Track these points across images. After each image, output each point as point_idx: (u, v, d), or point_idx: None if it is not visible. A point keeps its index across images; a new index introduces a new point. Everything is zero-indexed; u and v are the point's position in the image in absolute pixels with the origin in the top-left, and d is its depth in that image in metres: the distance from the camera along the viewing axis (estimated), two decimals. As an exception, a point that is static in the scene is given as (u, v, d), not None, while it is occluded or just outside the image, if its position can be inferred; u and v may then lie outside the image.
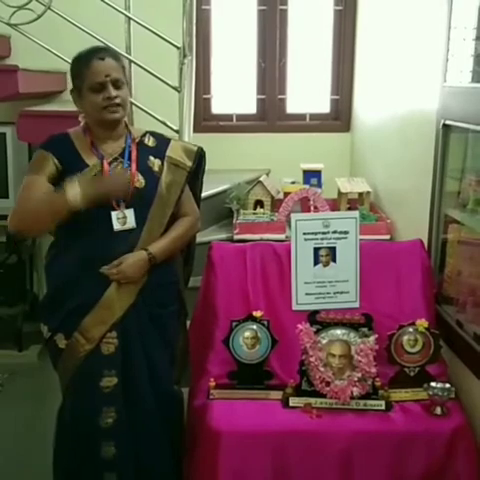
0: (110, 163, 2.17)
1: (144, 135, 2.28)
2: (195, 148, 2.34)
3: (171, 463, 2.28)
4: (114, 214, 2.15)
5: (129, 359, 2.17)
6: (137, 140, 2.25)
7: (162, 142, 2.30)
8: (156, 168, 2.24)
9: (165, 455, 2.26)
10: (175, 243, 2.26)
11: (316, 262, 2.54)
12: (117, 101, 2.13)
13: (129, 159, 2.19)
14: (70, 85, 2.22)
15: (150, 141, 2.28)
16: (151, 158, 2.24)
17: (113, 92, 2.12)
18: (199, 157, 2.34)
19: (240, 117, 4.38)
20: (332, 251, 2.54)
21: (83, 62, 2.14)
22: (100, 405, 2.16)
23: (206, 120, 4.30)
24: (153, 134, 2.31)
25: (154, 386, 2.21)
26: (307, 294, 2.53)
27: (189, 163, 2.30)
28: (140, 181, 2.19)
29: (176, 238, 2.26)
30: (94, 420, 2.16)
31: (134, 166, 2.19)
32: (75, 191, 2.05)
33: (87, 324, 2.14)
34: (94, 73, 2.11)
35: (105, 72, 2.11)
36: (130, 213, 2.17)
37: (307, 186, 3.50)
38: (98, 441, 2.17)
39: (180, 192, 2.27)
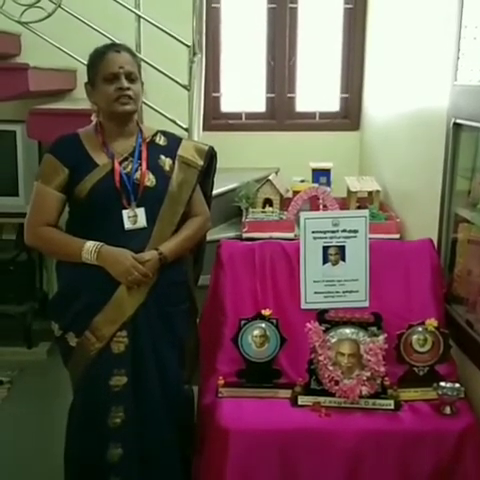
0: (121, 162, 2.18)
1: (155, 134, 2.29)
2: (206, 147, 2.35)
3: (180, 463, 2.28)
4: (125, 213, 2.16)
5: (139, 358, 2.17)
6: (148, 139, 2.25)
7: (173, 141, 2.30)
8: (167, 167, 2.24)
9: (174, 455, 2.25)
10: (185, 243, 2.26)
11: (325, 261, 2.54)
12: (129, 93, 2.14)
13: (139, 158, 2.20)
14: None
15: (161, 140, 2.29)
16: (162, 157, 2.24)
17: (126, 83, 2.13)
18: (210, 156, 2.34)
19: (249, 115, 4.37)
20: (341, 250, 2.53)
21: (99, 54, 2.17)
22: (109, 404, 2.15)
23: (215, 118, 4.30)
24: (164, 133, 2.32)
25: (164, 385, 2.21)
26: (316, 293, 2.52)
27: (200, 162, 2.30)
28: (151, 180, 2.19)
29: (186, 238, 2.26)
30: (103, 419, 2.15)
31: (144, 165, 2.19)
32: (91, 258, 2.11)
33: (98, 323, 2.14)
34: (108, 64, 2.13)
35: (119, 64, 2.13)
36: (141, 212, 2.17)
37: (316, 185, 3.49)
38: (106, 441, 2.16)
39: (191, 191, 2.27)
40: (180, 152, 2.28)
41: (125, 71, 2.13)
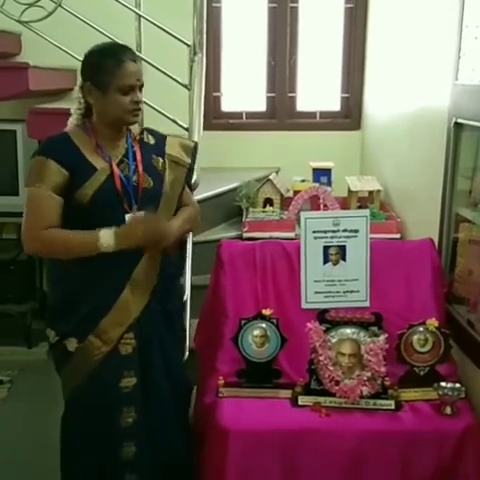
0: (118, 165, 2.15)
1: (142, 132, 2.27)
2: (192, 144, 2.36)
3: (192, 459, 2.29)
4: (128, 217, 2.13)
5: (147, 358, 2.18)
6: (137, 138, 2.23)
7: (160, 139, 2.29)
8: (160, 166, 2.23)
9: (185, 451, 2.27)
10: (185, 225, 2.28)
11: (326, 260, 2.53)
12: (141, 105, 2.14)
13: (134, 159, 2.17)
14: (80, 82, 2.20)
15: (150, 139, 2.27)
16: (154, 156, 2.23)
17: (140, 97, 2.12)
18: (194, 152, 2.35)
19: (250, 115, 4.37)
20: (342, 250, 2.53)
21: (113, 59, 2.08)
22: (120, 405, 2.15)
23: (216, 118, 4.29)
24: (150, 131, 2.30)
25: (171, 383, 2.22)
26: (316, 293, 2.52)
27: (188, 160, 2.30)
28: (148, 181, 2.18)
29: (186, 220, 2.28)
30: (115, 420, 2.14)
31: (141, 167, 2.17)
32: (110, 242, 2.05)
33: (105, 326, 2.12)
34: (127, 74, 2.07)
35: (137, 75, 2.10)
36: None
37: (317, 184, 3.49)
38: (119, 442, 2.16)
39: (181, 189, 2.28)
40: (168, 150, 2.27)
41: (140, 83, 2.11)
